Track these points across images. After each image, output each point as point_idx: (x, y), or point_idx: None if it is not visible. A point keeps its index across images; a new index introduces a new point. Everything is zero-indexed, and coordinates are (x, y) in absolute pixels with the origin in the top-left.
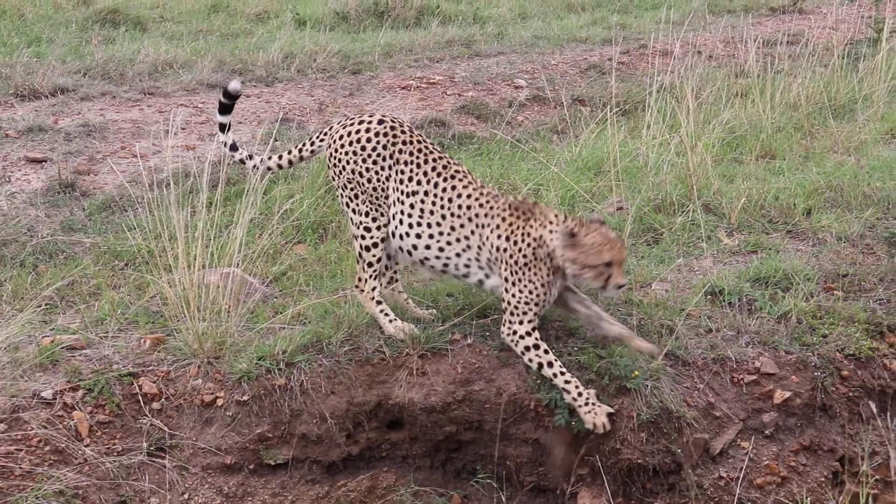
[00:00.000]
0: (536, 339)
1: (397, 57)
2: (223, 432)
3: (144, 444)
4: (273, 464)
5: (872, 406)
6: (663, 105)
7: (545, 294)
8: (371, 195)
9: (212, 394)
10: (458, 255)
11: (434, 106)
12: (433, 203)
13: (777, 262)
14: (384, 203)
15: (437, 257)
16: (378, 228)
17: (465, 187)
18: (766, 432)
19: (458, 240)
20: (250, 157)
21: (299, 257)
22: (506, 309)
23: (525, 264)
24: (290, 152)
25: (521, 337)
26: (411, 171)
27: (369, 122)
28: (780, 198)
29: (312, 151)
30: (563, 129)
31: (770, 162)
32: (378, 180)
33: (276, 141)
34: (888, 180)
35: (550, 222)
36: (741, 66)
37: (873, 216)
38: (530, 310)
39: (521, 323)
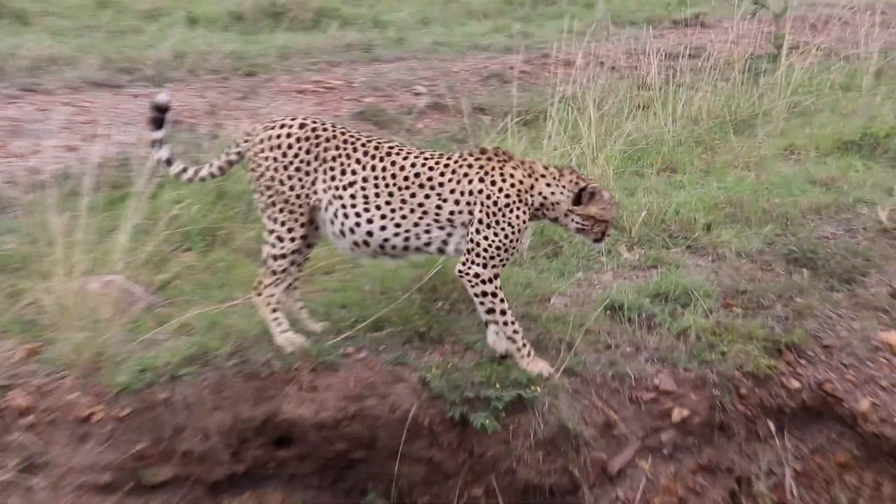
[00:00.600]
0: (497, 287)
1: (294, 59)
2: (100, 449)
3: (13, 462)
4: (153, 483)
5: (770, 425)
6: (565, 116)
7: (516, 242)
8: (291, 204)
9: (88, 408)
10: (415, 224)
11: (331, 111)
12: (376, 185)
13: (677, 277)
14: (304, 213)
15: (397, 234)
16: (292, 240)
17: (405, 158)
18: (665, 451)
19: (412, 210)
20: (185, 169)
21: (186, 265)
22: (471, 250)
23: (506, 205)
24: (219, 157)
25: (483, 281)
26: (342, 164)
27: (290, 128)
28: (680, 212)
29: (239, 153)
30: (463, 138)
31: (671, 175)
32: (301, 187)
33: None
34: (787, 196)
35: (542, 175)
36: (643, 79)
37: (772, 232)
38: (498, 255)
39: (484, 266)
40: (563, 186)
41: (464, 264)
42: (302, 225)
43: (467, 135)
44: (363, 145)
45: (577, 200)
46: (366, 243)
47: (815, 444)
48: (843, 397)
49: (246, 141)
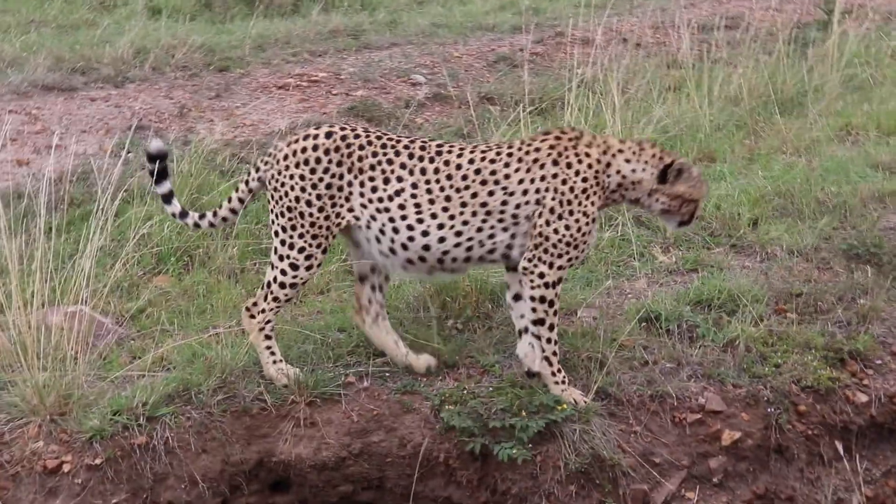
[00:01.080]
0: (557, 294)
1: (272, 51)
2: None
3: None
4: None
5: (838, 446)
6: (585, 102)
7: (590, 234)
8: (316, 228)
9: (56, 458)
10: (479, 229)
11: (317, 108)
12: (429, 190)
13: (721, 281)
14: (329, 239)
15: (458, 244)
16: (308, 268)
17: (459, 155)
18: (715, 480)
19: (474, 213)
20: (202, 216)
21: (160, 291)
22: (539, 245)
23: (583, 191)
24: (237, 189)
25: (545, 285)
26: (384, 171)
27: (316, 139)
28: (721, 207)
29: (260, 180)
30: (469, 132)
31: (710, 165)
32: (332, 206)
33: (129, 153)
34: (844, 184)
35: (620, 151)
36: (673, 56)
37: (828, 226)
38: (568, 253)
39: (551, 266)
40: (646, 162)
41: (529, 261)
42: (324, 252)
43: (474, 128)
44: (406, 147)
45: (663, 178)
46: (422, 259)
47: (888, 466)
48: None
49: (266, 163)
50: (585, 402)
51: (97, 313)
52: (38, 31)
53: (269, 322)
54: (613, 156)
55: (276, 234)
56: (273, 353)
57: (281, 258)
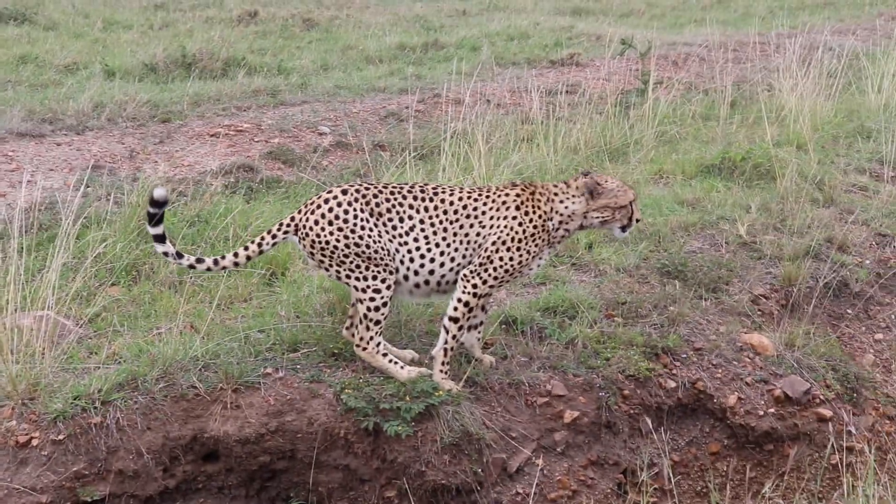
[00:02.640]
0: (477, 305)
1: (205, 106)
2: (39, 472)
3: None
4: (90, 500)
5: (649, 422)
6: (457, 149)
7: (527, 269)
8: (376, 255)
9: (27, 434)
10: (464, 256)
11: (242, 152)
12: (433, 224)
13: (564, 292)
14: (391, 261)
15: (452, 269)
16: (388, 287)
17: (451, 194)
18: (558, 450)
19: (460, 241)
20: (200, 260)
21: (113, 298)
22: (483, 264)
23: (532, 234)
24: (246, 248)
25: (473, 295)
26: (398, 212)
27: (336, 198)
28: None
29: (275, 244)
30: (365, 173)
31: None
32: (375, 240)
33: (88, 188)
34: (658, 216)
35: (555, 194)
36: (526, 114)
37: (647, 249)
38: (502, 278)
39: (484, 283)
40: (573, 196)
41: (471, 272)
42: (391, 272)
43: (369, 170)
44: (409, 191)
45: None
46: (426, 282)
47: (690, 437)
48: (714, 394)
49: (285, 232)
50: (457, 389)
51: (61, 317)
52: (14, 89)
53: (379, 344)
54: (552, 201)
55: (348, 277)
56: (396, 363)
57: (363, 291)
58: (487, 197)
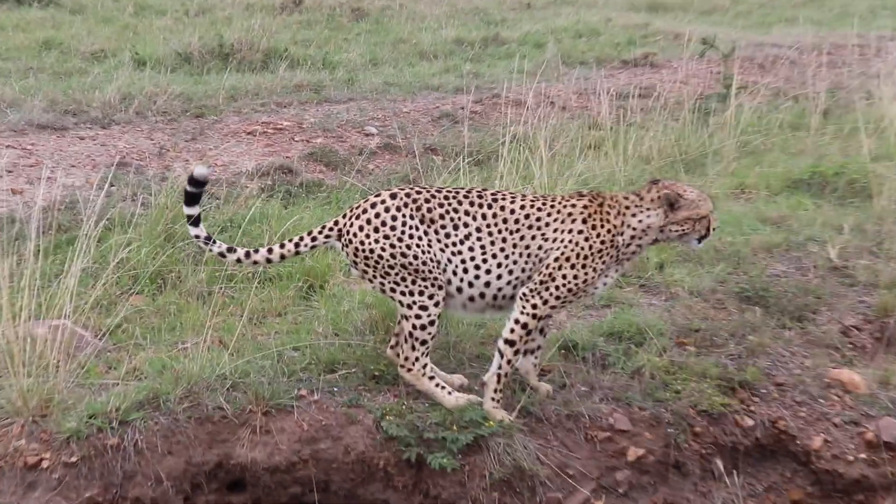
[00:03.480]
0: (535, 328)
1: (243, 101)
2: (48, 496)
3: None
4: None
5: (722, 464)
6: (517, 155)
7: (591, 288)
8: (425, 268)
9: (37, 455)
10: (522, 269)
11: (281, 152)
12: (490, 233)
13: (630, 316)
14: (440, 274)
15: (509, 282)
16: (436, 304)
17: (512, 202)
18: (620, 491)
19: (520, 254)
20: (231, 249)
21: (136, 309)
22: (544, 282)
23: (599, 251)
24: (282, 246)
25: (532, 316)
26: (452, 219)
27: (383, 203)
28: None
29: (314, 247)
30: (415, 179)
31: None
32: (424, 252)
33: (112, 186)
34: (738, 235)
35: (627, 207)
36: (594, 118)
37: (724, 271)
38: (565, 298)
39: (545, 303)
40: (647, 208)
41: (531, 290)
42: (440, 287)
43: (419, 175)
44: (465, 196)
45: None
46: (481, 296)
47: (769, 482)
48: (797, 434)
49: (327, 236)
50: (510, 420)
51: (78, 327)
52: (36, 77)
53: (425, 366)
54: (624, 215)
55: (393, 290)
56: (443, 388)
57: (409, 307)
58: (552, 206)
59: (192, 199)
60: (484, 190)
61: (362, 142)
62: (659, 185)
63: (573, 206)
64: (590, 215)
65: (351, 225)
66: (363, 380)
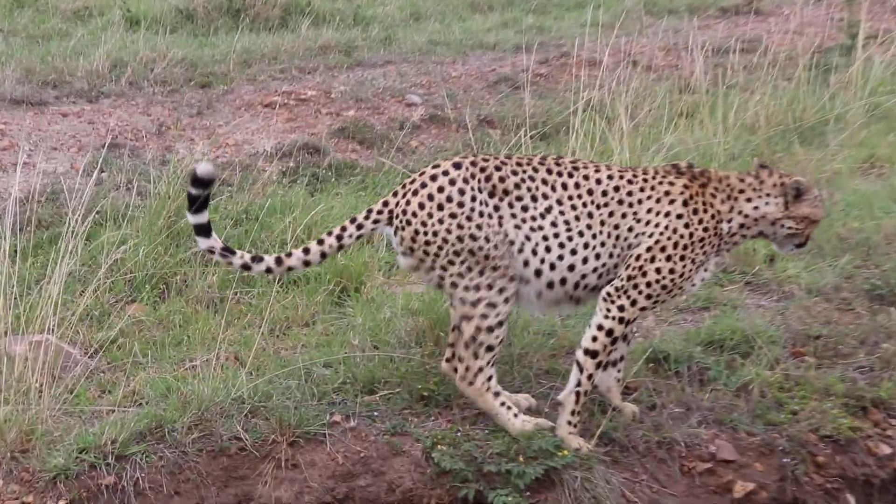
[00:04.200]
0: (624, 332)
1: (258, 66)
2: None
3: None
4: None
5: (852, 500)
6: (591, 127)
7: (688, 284)
8: (495, 257)
9: (17, 498)
10: (610, 255)
11: (306, 128)
12: (573, 206)
13: (734, 321)
14: (511, 264)
15: (595, 268)
16: (506, 301)
17: (596, 170)
18: None
19: (609, 235)
20: (257, 259)
21: (133, 320)
22: (632, 277)
23: (700, 240)
24: (321, 242)
25: (619, 320)
26: (530, 189)
27: (446, 174)
28: None
29: (360, 236)
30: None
31: None
32: (496, 233)
33: (103, 173)
34: (867, 220)
35: (741, 191)
36: (686, 80)
37: (850, 264)
38: (657, 297)
39: (633, 303)
40: (768, 194)
41: (616, 289)
42: (512, 279)
43: (473, 153)
44: (541, 163)
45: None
46: (562, 282)
47: None
48: None
49: (375, 221)
50: (588, 448)
51: (65, 343)
52: (7, 41)
53: (490, 377)
54: (735, 199)
55: (455, 284)
56: (510, 409)
57: (474, 304)
58: (645, 181)
59: (196, 205)
60: (560, 157)
61: (403, 114)
62: (766, 168)
63: (671, 184)
64: (692, 196)
65: (408, 203)
66: (409, 402)
